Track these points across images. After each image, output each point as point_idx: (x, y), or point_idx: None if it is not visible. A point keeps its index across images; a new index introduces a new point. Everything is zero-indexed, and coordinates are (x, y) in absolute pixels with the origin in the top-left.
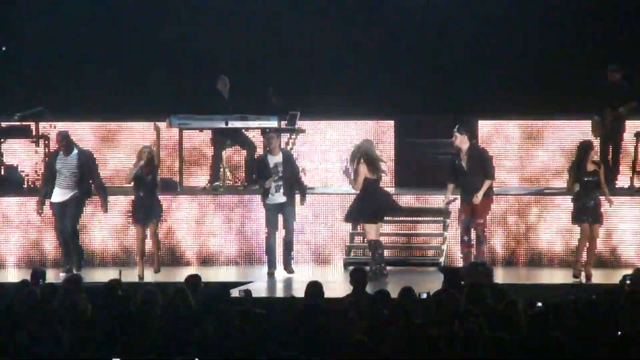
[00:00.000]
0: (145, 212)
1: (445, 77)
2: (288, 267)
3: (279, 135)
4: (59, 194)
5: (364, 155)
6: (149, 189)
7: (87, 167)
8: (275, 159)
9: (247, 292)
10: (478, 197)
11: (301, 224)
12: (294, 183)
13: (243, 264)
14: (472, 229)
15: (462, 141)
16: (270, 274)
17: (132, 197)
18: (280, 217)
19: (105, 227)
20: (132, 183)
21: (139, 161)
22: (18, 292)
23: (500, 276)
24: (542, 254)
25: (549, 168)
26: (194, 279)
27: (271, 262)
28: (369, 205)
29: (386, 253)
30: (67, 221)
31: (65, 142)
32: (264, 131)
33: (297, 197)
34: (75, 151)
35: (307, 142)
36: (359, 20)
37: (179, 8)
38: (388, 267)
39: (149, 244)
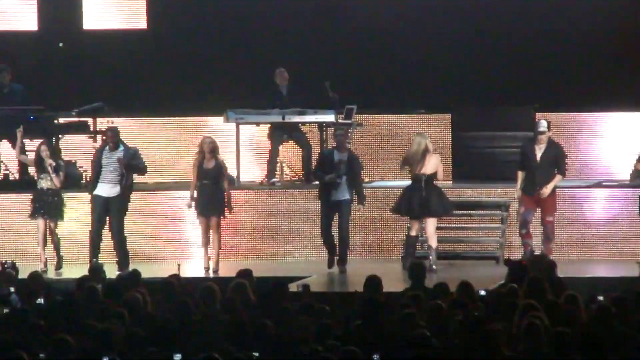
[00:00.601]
0: (207, 203)
1: (503, 69)
2: (341, 267)
3: (347, 133)
4: (103, 189)
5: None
6: (210, 180)
7: (132, 163)
8: (341, 156)
9: (305, 287)
10: (548, 189)
11: (360, 218)
12: (354, 184)
13: (301, 258)
14: (530, 222)
15: (546, 139)
16: (331, 261)
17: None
18: (335, 215)
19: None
20: (194, 174)
21: (200, 151)
22: (78, 288)
23: (560, 270)
24: (600, 246)
25: (604, 161)
26: (245, 273)
27: (332, 250)
28: (409, 201)
29: (444, 247)
30: (113, 221)
31: (114, 137)
32: (321, 125)
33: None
34: (122, 147)
35: (364, 136)
36: (414, 12)
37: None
38: (445, 261)
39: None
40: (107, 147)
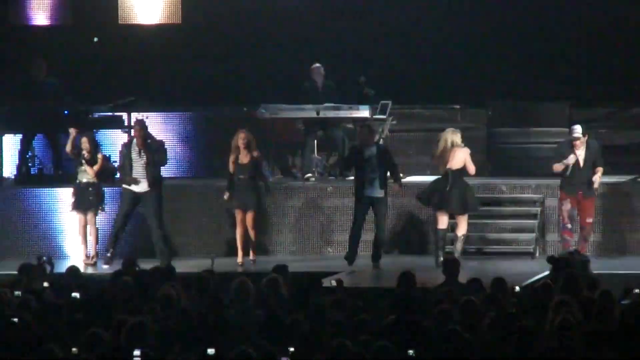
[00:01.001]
0: (243, 197)
1: (539, 65)
2: (375, 263)
3: (373, 127)
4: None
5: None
6: (246, 175)
7: (159, 156)
8: (370, 151)
9: (339, 282)
10: (597, 182)
11: (392, 213)
12: (390, 170)
13: (335, 254)
14: (575, 220)
15: (583, 141)
16: (347, 259)
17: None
18: (370, 212)
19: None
20: (231, 169)
21: (235, 146)
22: (112, 282)
23: (594, 265)
24: (635, 241)
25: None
26: (280, 268)
27: (351, 251)
28: (432, 193)
29: (478, 243)
30: (151, 216)
31: (143, 131)
32: (355, 121)
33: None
34: (149, 140)
35: (398, 131)
36: (451, 7)
37: None
38: (480, 257)
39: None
40: (135, 141)
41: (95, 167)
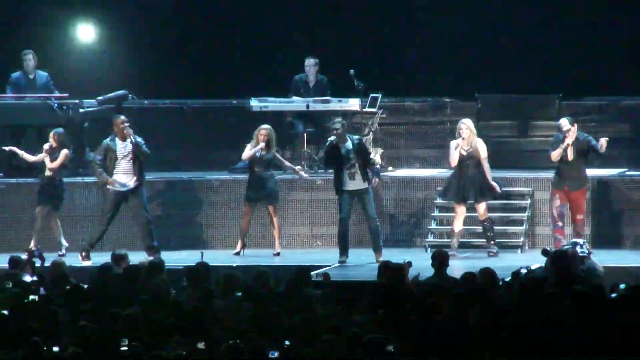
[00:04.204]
0: (257, 191)
1: (528, 58)
2: (378, 253)
3: (344, 122)
4: (119, 180)
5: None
6: (263, 168)
7: (143, 151)
8: (346, 146)
9: (326, 276)
10: (603, 145)
11: (382, 205)
12: (367, 168)
13: (326, 247)
14: (565, 216)
15: (574, 129)
16: (342, 262)
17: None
18: (355, 205)
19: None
20: (244, 155)
21: (257, 142)
22: (100, 275)
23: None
24: (627, 235)
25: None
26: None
27: (343, 250)
28: (456, 185)
29: (467, 236)
30: (138, 211)
31: (127, 126)
32: (345, 114)
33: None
34: (132, 136)
35: (388, 124)
36: (440, 1)
37: None
38: (471, 249)
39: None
40: (117, 137)
41: (55, 163)
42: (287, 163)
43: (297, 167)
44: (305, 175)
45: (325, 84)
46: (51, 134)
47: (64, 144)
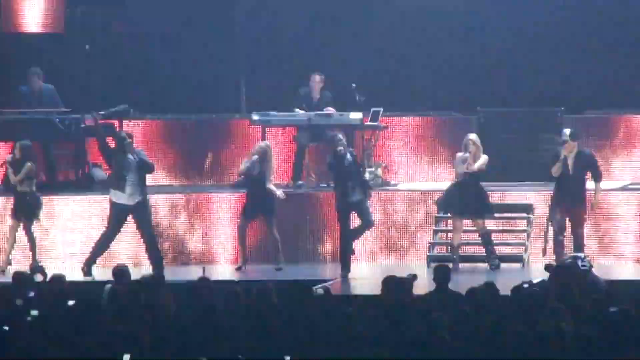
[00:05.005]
0: (254, 205)
1: (529, 71)
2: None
3: (344, 136)
4: (123, 196)
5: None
6: (256, 184)
7: (147, 165)
8: (347, 159)
9: (326, 290)
10: (596, 200)
11: (383, 220)
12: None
13: (330, 262)
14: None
15: (573, 147)
16: (344, 277)
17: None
18: (354, 217)
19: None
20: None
21: (252, 156)
22: (103, 291)
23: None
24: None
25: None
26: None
27: (344, 264)
28: (458, 199)
29: (470, 250)
30: (144, 226)
31: (125, 141)
32: (347, 128)
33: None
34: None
35: (389, 138)
36: (440, 14)
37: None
38: (469, 264)
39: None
40: (119, 152)
41: (18, 177)
42: (271, 185)
43: (278, 192)
44: (282, 195)
45: (328, 100)
46: (17, 145)
47: (29, 157)
